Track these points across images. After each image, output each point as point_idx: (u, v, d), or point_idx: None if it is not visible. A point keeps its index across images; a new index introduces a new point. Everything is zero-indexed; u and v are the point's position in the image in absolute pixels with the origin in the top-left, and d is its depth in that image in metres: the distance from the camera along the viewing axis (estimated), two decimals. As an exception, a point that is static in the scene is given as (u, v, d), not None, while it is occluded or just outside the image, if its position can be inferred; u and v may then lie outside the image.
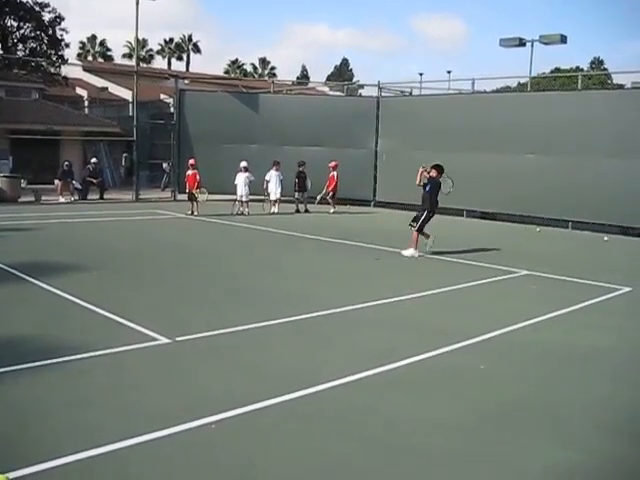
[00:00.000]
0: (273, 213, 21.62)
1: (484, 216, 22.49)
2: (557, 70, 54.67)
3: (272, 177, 21.86)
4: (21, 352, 6.72)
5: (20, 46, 37.95)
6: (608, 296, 10.48)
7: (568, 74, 34.04)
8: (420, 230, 13.93)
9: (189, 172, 20.80)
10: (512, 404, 5.87)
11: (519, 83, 43.12)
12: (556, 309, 9.35)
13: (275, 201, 21.98)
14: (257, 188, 21.71)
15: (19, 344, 7.04)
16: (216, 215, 20.06)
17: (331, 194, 22.69)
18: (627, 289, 10.99)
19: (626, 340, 8.17)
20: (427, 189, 13.97)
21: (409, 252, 13.80)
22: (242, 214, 20.74)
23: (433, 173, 13.94)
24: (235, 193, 21.16)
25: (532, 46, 34.65)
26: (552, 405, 5.88)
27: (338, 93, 38.29)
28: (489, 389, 6.22)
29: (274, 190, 21.85)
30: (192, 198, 20.44)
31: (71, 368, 6.35)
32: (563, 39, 33.45)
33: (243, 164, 20.89)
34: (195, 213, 20.24)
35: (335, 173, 22.60)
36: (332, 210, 22.39)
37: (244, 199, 20.94)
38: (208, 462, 4.58)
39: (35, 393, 5.70)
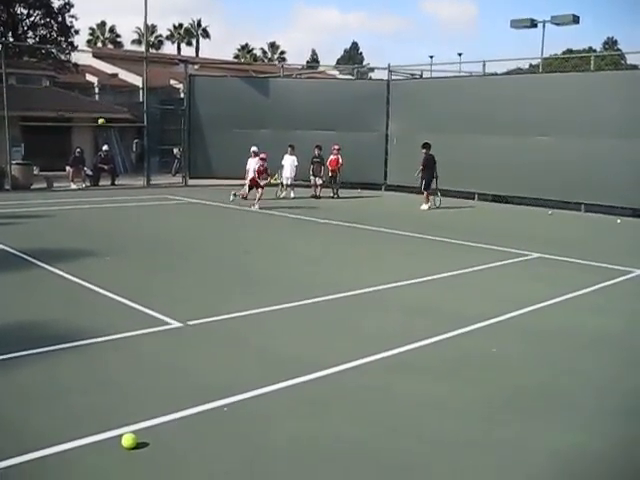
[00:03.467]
0: (285, 198, 21.51)
1: (496, 199, 22.39)
2: (569, 51, 54.21)
3: (286, 161, 21.78)
4: (34, 337, 6.78)
5: (30, 34, 37.94)
6: (621, 279, 10.42)
7: (581, 54, 33.66)
8: (427, 188, 19.34)
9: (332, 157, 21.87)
10: (524, 388, 5.87)
11: (530, 65, 42.76)
12: (568, 292, 9.32)
13: (289, 185, 21.90)
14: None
15: (32, 329, 7.11)
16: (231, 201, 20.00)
17: (332, 178, 22.49)
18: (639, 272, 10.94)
19: (638, 323, 8.14)
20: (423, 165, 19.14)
21: (425, 206, 19.26)
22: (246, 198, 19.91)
23: (423, 152, 19.13)
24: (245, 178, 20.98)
25: (544, 27, 34.35)
26: (564, 389, 5.88)
27: (348, 77, 38.10)
28: (501, 373, 6.22)
29: (288, 175, 21.76)
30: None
31: (84, 352, 6.40)
32: (575, 19, 33.05)
33: (253, 149, 20.70)
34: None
35: (333, 157, 22.33)
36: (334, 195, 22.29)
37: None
38: (220, 444, 4.62)
39: (49, 377, 5.76)
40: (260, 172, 19.21)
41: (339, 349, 6.71)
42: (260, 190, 18.57)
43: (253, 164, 20.20)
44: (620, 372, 6.37)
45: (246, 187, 19.02)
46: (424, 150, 19.23)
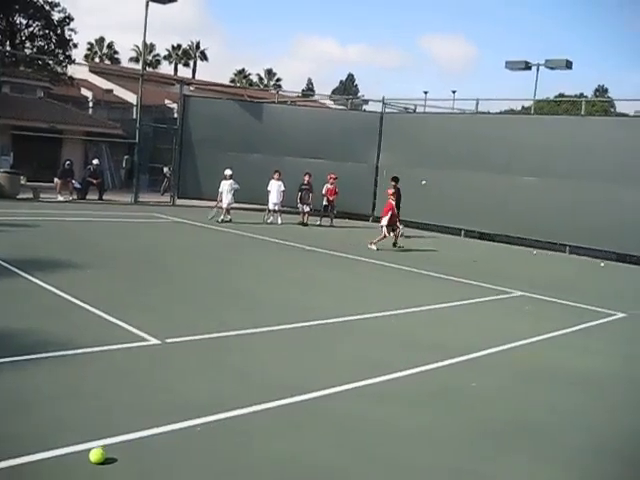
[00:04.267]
0: (272, 223, 21.44)
1: (482, 236, 22.48)
2: (561, 96, 54.89)
3: (273, 187, 21.75)
4: (8, 345, 6.65)
5: (28, 44, 38.02)
6: (602, 321, 10.45)
7: (572, 99, 34.07)
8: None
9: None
10: (504, 422, 5.80)
11: (523, 107, 43.24)
12: (549, 331, 9.31)
13: (275, 211, 21.83)
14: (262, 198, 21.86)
15: (7, 337, 6.97)
16: (217, 222, 19.96)
17: (329, 207, 22.54)
18: (621, 315, 10.96)
19: (620, 364, 8.12)
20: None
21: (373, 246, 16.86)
22: (227, 221, 20.21)
23: (392, 184, 18.17)
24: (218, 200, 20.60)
25: (537, 70, 34.73)
26: (545, 425, 5.81)
27: (342, 107, 38.36)
28: (481, 407, 6.16)
29: (275, 200, 21.70)
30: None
31: (58, 363, 6.28)
32: (568, 64, 33.55)
33: (227, 172, 20.55)
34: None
35: (330, 186, 22.36)
36: (328, 223, 22.33)
37: (227, 207, 20.53)
38: (190, 464, 4.52)
39: (18, 386, 5.62)
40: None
41: (318, 374, 6.63)
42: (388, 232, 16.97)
43: (227, 186, 20.09)
44: (602, 412, 6.33)
45: (384, 229, 16.96)
46: (393, 183, 18.78)
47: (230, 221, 20.17)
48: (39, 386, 5.69)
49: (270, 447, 4.90)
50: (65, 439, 4.63)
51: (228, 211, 20.62)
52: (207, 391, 5.93)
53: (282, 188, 21.69)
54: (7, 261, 10.95)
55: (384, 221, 16.96)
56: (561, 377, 7.31)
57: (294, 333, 8.20)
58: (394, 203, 17.49)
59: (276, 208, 21.80)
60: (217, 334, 7.71)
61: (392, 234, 17.12)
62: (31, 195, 22.79)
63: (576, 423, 5.98)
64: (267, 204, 21.96)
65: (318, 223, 22.15)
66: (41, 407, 5.24)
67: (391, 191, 17.75)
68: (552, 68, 34.54)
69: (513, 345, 8.39)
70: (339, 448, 4.99)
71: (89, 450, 4.38)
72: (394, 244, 17.30)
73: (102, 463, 4.32)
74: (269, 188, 21.76)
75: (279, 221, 21.62)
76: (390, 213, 16.92)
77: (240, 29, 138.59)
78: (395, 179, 19.58)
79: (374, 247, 16.63)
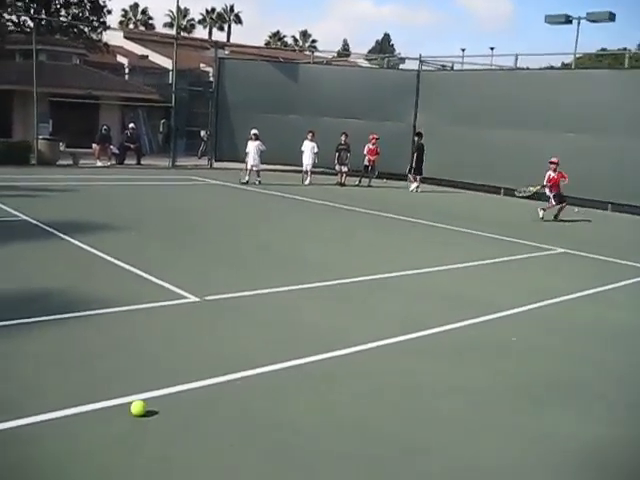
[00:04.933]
0: (305, 184, 21.14)
1: (521, 194, 22.07)
2: (603, 50, 53.39)
3: (306, 147, 21.53)
4: (52, 304, 6.78)
5: (63, 12, 38.05)
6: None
7: (615, 52, 33.10)
8: (419, 173, 21.52)
9: None
10: (542, 377, 5.75)
11: (563, 63, 42.17)
12: (590, 287, 9.19)
13: (306, 172, 21.53)
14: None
15: (48, 297, 7.11)
16: (242, 183, 19.94)
17: (369, 167, 22.35)
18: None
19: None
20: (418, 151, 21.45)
21: (414, 186, 21.31)
22: (246, 183, 19.86)
23: (416, 139, 21.61)
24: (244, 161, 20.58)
25: (578, 23, 33.75)
26: (582, 380, 5.76)
27: (375, 67, 37.83)
28: (519, 361, 6.11)
29: (307, 161, 21.49)
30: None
31: (99, 321, 6.39)
32: (611, 16, 32.45)
33: (253, 131, 20.29)
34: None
35: (372, 146, 22.16)
36: (367, 184, 22.20)
37: (255, 168, 20.23)
38: (230, 416, 4.57)
39: (63, 343, 5.75)
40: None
41: (358, 330, 6.63)
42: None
43: (253, 147, 19.82)
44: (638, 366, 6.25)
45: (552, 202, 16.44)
46: (416, 138, 21.43)
47: (260, 183, 19.88)
48: (84, 343, 5.80)
49: (305, 400, 4.93)
50: (110, 392, 4.72)
51: (258, 173, 20.31)
52: (245, 346, 5.97)
53: (315, 149, 21.40)
54: (49, 224, 11.11)
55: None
56: (600, 333, 7.23)
57: (331, 291, 8.21)
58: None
59: (308, 169, 21.56)
60: (255, 291, 7.75)
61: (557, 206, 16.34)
62: (70, 161, 23.03)
63: (615, 376, 5.91)
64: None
65: (356, 183, 22.01)
66: (87, 362, 5.34)
67: None
68: (594, 21, 33.48)
69: (554, 301, 8.29)
70: (373, 403, 4.99)
71: (131, 403, 4.45)
72: (555, 216, 16.43)
73: (143, 415, 4.38)
74: (302, 148, 21.59)
75: (307, 181, 21.32)
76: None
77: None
78: (418, 134, 21.30)
79: (541, 213, 16.25)
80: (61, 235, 10.36)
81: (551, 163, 16.32)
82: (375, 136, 22.14)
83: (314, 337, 6.34)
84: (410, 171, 21.80)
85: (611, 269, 10.76)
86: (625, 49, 35.18)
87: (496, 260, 10.82)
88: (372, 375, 5.50)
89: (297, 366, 5.53)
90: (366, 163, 22.27)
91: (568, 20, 33.69)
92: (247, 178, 20.06)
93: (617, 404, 5.27)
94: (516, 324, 7.29)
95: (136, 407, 4.39)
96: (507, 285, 9.24)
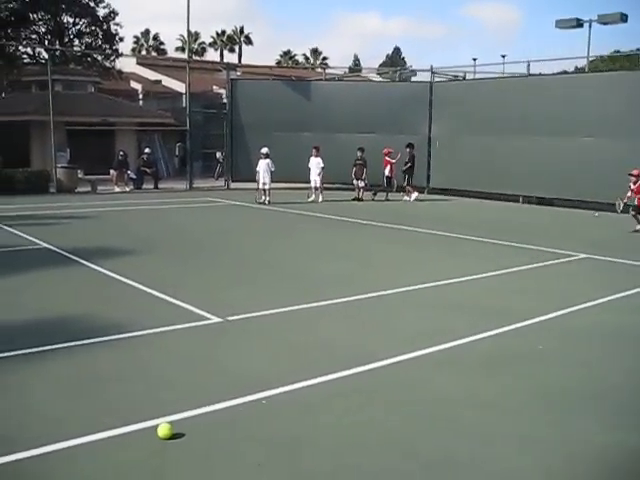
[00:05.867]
0: (314, 202, 20.65)
1: (540, 202, 21.94)
2: (617, 52, 53.12)
3: (312, 164, 21.20)
4: (74, 329, 6.77)
5: (76, 42, 38.57)
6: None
7: (629, 53, 32.84)
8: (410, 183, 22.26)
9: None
10: (569, 387, 5.62)
11: (576, 67, 41.99)
12: (616, 292, 9.02)
13: (315, 188, 21.16)
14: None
15: (72, 322, 7.11)
16: (258, 203, 19.94)
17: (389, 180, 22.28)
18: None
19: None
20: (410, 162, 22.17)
21: (413, 196, 22.01)
22: (263, 203, 19.75)
23: (407, 150, 22.23)
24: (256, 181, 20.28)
25: (590, 27, 33.51)
26: (611, 389, 5.63)
27: (387, 80, 37.85)
28: (546, 370, 6.00)
29: (314, 177, 21.15)
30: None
31: (123, 345, 6.37)
32: (623, 18, 32.20)
33: (264, 150, 20.13)
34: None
35: (388, 159, 22.11)
36: (384, 198, 22.09)
37: (266, 187, 19.90)
38: (257, 436, 4.51)
39: (86, 368, 5.73)
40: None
41: (383, 344, 6.57)
42: None
43: (263, 166, 19.69)
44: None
45: None
46: (408, 149, 22.22)
47: (269, 203, 19.66)
48: (104, 367, 5.78)
49: (335, 417, 4.86)
50: (133, 416, 4.68)
51: (268, 192, 19.95)
52: (270, 365, 5.92)
53: (321, 165, 21.09)
54: (69, 250, 11.18)
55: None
56: (629, 340, 7.09)
57: (354, 306, 8.14)
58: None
59: (317, 185, 21.23)
60: (277, 310, 7.71)
61: None
62: (89, 188, 23.23)
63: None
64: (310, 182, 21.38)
65: (372, 198, 21.92)
66: (108, 386, 5.32)
67: None
68: (605, 23, 33.24)
69: (579, 308, 8.17)
70: (406, 416, 4.92)
71: (157, 426, 4.41)
72: None
73: (170, 438, 4.34)
74: (309, 165, 21.31)
75: (320, 199, 20.94)
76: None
77: (281, 11, 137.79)
78: (410, 145, 21.99)
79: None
80: (82, 261, 10.39)
81: (631, 175, 15.79)
82: (389, 150, 22.12)
83: (340, 353, 6.28)
84: (408, 183, 22.23)
85: (636, 273, 10.60)
86: (639, 50, 34.95)
87: (522, 268, 10.69)
88: (402, 389, 5.43)
89: (324, 382, 5.47)
90: (387, 174, 22.14)
91: (579, 24, 33.47)
92: (263, 198, 20.00)
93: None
94: (541, 332, 7.18)
95: (163, 430, 4.36)
96: (533, 292, 9.11)
